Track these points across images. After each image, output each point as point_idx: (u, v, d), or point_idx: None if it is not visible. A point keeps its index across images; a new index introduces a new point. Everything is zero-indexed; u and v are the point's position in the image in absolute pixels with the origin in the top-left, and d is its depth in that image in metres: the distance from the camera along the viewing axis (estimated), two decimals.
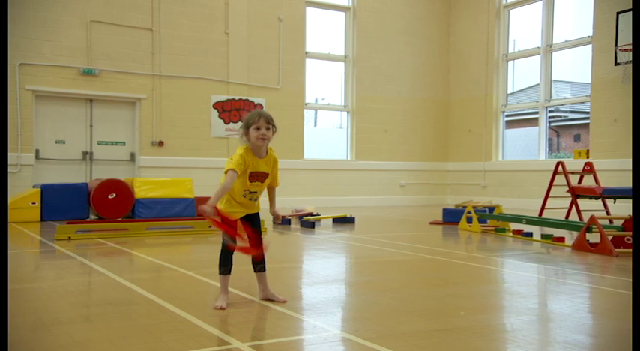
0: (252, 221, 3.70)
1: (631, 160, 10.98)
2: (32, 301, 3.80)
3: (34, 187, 10.54)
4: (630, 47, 11.38)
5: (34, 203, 9.64)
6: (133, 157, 12.73)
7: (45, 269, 5.33)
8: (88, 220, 9.68)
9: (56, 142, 12.10)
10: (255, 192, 3.62)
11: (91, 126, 12.41)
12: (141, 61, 12.61)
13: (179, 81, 12.94)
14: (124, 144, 12.71)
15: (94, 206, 9.83)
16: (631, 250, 6.02)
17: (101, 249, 6.44)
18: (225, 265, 3.63)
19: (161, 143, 12.77)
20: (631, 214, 6.63)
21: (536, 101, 14.29)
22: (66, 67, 11.95)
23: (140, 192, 10.22)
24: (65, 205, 9.78)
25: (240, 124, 4.22)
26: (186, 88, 12.97)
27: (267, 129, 3.53)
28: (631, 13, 11.43)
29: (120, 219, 9.66)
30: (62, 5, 11.90)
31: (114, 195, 9.87)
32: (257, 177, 3.59)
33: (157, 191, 10.37)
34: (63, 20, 11.92)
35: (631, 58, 11.39)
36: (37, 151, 11.83)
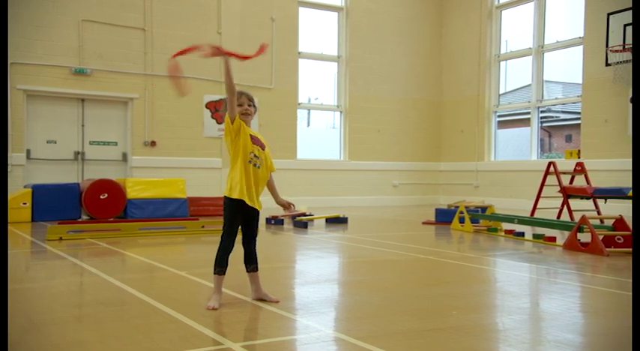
0: (252, 219, 3.70)
1: (622, 160, 11.10)
2: (23, 301, 3.78)
3: (25, 187, 10.48)
4: (621, 48, 11.45)
5: (25, 203, 9.59)
6: (125, 157, 12.68)
7: (36, 270, 5.31)
8: (79, 220, 9.64)
9: (47, 142, 12.03)
10: (259, 158, 3.64)
11: (82, 126, 12.35)
12: (133, 61, 12.56)
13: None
14: (115, 144, 12.65)
15: (85, 206, 9.79)
16: (621, 249, 6.07)
17: (93, 249, 6.41)
18: (221, 265, 3.63)
19: (153, 143, 12.73)
20: (621, 213, 6.69)
21: (528, 102, 14.35)
22: (57, 67, 11.89)
23: (132, 192, 10.20)
24: (57, 205, 9.73)
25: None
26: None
27: (250, 105, 3.71)
28: (621, 14, 11.51)
29: (112, 219, 9.62)
30: (54, 4, 11.83)
31: (106, 195, 9.83)
32: (256, 141, 3.68)
33: (149, 191, 10.34)
34: (55, 20, 11.85)
35: (622, 59, 11.46)
36: (28, 151, 11.76)
